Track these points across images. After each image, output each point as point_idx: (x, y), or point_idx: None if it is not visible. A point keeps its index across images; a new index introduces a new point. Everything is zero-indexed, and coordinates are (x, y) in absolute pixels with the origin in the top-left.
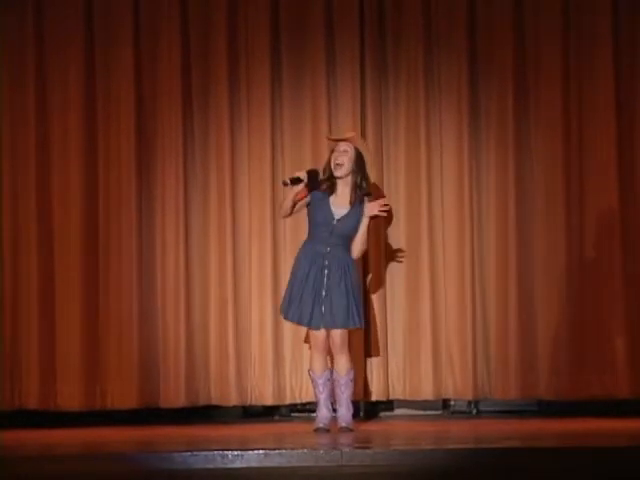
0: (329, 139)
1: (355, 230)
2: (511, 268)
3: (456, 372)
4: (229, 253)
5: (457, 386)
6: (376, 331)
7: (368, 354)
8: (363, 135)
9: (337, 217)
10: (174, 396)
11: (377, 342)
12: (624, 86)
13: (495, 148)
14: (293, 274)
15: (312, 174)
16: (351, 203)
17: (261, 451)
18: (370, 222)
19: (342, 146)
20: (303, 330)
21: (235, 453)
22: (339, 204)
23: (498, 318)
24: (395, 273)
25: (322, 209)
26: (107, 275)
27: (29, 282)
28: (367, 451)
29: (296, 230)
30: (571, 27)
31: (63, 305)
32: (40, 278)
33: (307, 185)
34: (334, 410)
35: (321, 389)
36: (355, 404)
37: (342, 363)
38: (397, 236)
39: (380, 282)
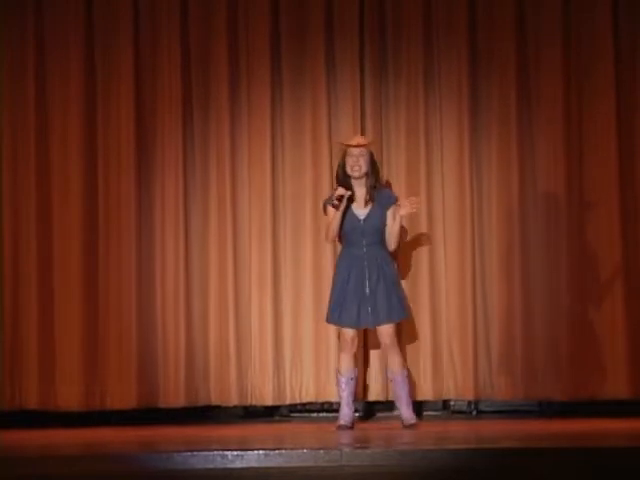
0: (347, 145)
1: (382, 224)
2: (513, 267)
3: (457, 372)
4: (229, 253)
5: (458, 386)
6: (375, 331)
7: (367, 354)
8: (363, 135)
9: (362, 217)
10: (173, 396)
11: (376, 342)
12: (625, 83)
13: (497, 147)
14: (335, 280)
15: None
16: (367, 203)
17: (261, 451)
18: (402, 218)
19: (358, 150)
20: (303, 330)
21: (235, 453)
22: (358, 206)
23: (500, 317)
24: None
25: (348, 217)
26: (107, 276)
27: (29, 283)
28: (367, 451)
29: (296, 231)
30: (572, 24)
31: (63, 305)
32: (40, 279)
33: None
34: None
35: (343, 387)
36: (354, 404)
37: (395, 361)
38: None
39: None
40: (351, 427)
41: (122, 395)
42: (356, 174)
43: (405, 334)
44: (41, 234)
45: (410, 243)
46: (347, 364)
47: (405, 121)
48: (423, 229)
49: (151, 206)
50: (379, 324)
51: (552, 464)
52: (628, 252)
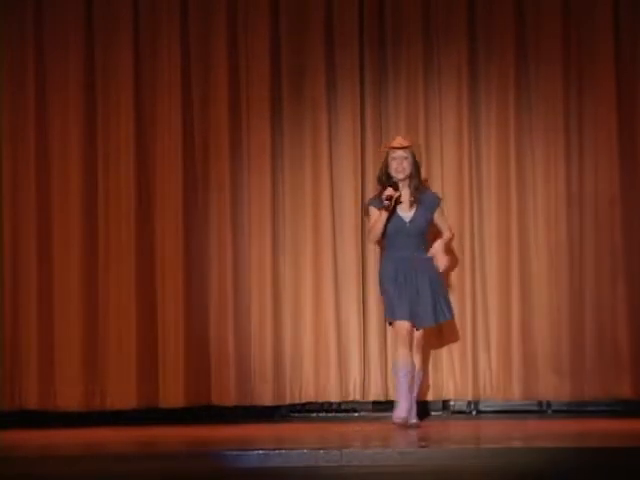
0: (391, 147)
1: (427, 226)
2: (512, 267)
3: (456, 372)
4: (229, 253)
5: (457, 386)
6: (375, 331)
7: (367, 354)
8: (362, 138)
9: (407, 220)
10: (173, 396)
11: (376, 342)
12: (624, 70)
13: (495, 153)
14: (384, 282)
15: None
16: (412, 204)
17: (261, 451)
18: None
19: (402, 152)
20: (303, 330)
21: (235, 453)
22: (403, 208)
23: (500, 318)
24: None
25: (391, 218)
26: (106, 276)
27: (29, 283)
28: (366, 451)
29: (295, 231)
30: (571, 13)
31: (62, 305)
32: (40, 279)
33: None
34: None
35: (402, 381)
36: (354, 404)
37: (417, 361)
38: None
39: (377, 278)
40: (411, 424)
41: (122, 395)
42: (401, 176)
43: None
44: (41, 234)
45: None
46: (405, 358)
47: (405, 123)
48: None
49: (150, 205)
50: (427, 325)
51: (552, 464)
52: (631, 247)
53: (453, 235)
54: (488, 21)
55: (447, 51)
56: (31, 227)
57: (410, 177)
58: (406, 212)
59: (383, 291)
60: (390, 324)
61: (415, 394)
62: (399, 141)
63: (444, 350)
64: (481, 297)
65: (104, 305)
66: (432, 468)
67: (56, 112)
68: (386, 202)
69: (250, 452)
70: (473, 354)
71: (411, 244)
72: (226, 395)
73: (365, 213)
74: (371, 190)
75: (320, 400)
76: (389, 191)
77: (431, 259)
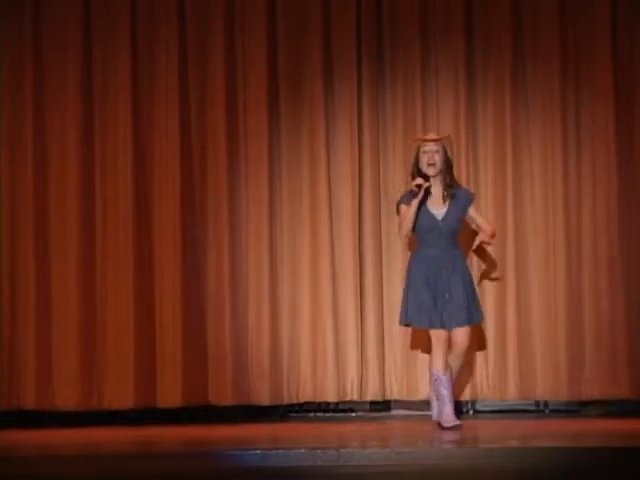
0: (423, 140)
1: (459, 224)
2: (508, 266)
3: (453, 372)
4: (226, 255)
5: (454, 386)
6: (373, 331)
7: (364, 354)
8: (360, 141)
9: (440, 217)
10: (171, 396)
11: (374, 342)
12: (621, 67)
13: (492, 152)
14: (410, 282)
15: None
16: (444, 201)
17: (259, 451)
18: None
19: (433, 146)
20: (300, 330)
21: (233, 453)
22: (435, 205)
23: (496, 317)
24: (392, 272)
25: (422, 215)
26: (104, 276)
27: (27, 283)
28: (364, 451)
29: (293, 235)
30: (568, 11)
31: (60, 306)
32: (37, 279)
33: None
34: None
35: (446, 385)
36: (351, 404)
37: (460, 364)
38: (395, 237)
39: (377, 280)
40: (461, 425)
41: (119, 395)
42: (432, 171)
43: (402, 334)
44: (38, 236)
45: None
46: (445, 362)
47: (402, 128)
48: None
49: (148, 207)
50: (460, 326)
51: (550, 464)
52: (627, 242)
53: (494, 230)
54: (485, 22)
55: (444, 53)
56: (29, 229)
57: (441, 172)
58: (438, 209)
59: (410, 292)
60: (406, 325)
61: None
62: (431, 134)
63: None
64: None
65: (102, 305)
66: (429, 468)
67: (54, 114)
68: (415, 189)
69: (248, 452)
70: (470, 354)
71: (443, 243)
72: (223, 395)
73: (396, 212)
74: (369, 194)
75: (318, 400)
76: (419, 180)
77: (462, 258)
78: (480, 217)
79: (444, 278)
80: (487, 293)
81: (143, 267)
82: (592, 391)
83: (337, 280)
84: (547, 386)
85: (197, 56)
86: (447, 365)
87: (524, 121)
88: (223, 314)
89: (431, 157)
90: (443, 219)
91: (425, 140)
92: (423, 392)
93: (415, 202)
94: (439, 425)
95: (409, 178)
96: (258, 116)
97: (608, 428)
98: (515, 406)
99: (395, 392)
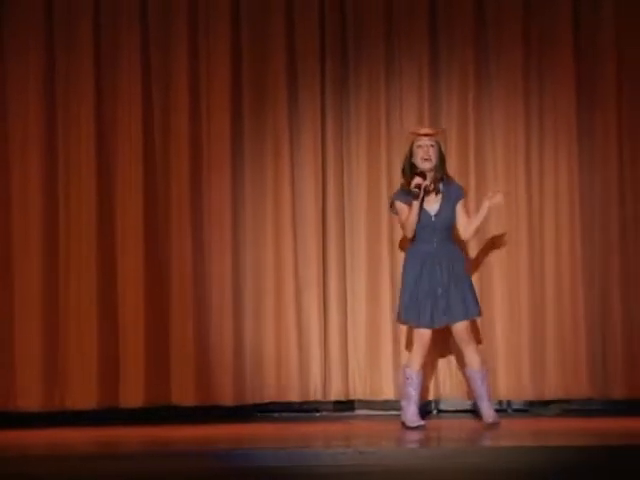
0: (418, 134)
1: (453, 219)
2: (471, 263)
3: None
4: (189, 257)
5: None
6: (336, 331)
7: (328, 354)
8: (323, 143)
9: (434, 213)
10: (134, 397)
11: (337, 342)
12: (584, 56)
13: (456, 142)
14: (405, 279)
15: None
16: (436, 196)
17: (221, 451)
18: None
19: (428, 140)
20: (265, 330)
21: (197, 453)
22: (428, 201)
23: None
24: (355, 271)
25: (419, 210)
26: (67, 278)
27: None
28: (328, 451)
29: (256, 238)
30: (531, 6)
31: (23, 307)
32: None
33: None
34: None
35: (415, 386)
36: (315, 404)
37: (473, 357)
38: (358, 238)
39: (340, 280)
40: (424, 425)
41: (83, 396)
42: (427, 165)
43: (365, 333)
44: (1, 240)
45: (369, 244)
46: (420, 363)
47: (366, 130)
48: (383, 232)
49: (111, 212)
50: (454, 322)
51: (513, 463)
52: (589, 244)
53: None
54: (448, 20)
55: (409, 53)
56: None
57: (435, 168)
58: (431, 205)
59: (404, 291)
60: (402, 323)
61: (486, 390)
62: (425, 128)
63: (404, 350)
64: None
65: (64, 306)
66: (393, 468)
67: (16, 120)
68: (415, 190)
69: (211, 452)
70: (433, 353)
71: (437, 238)
72: (186, 395)
73: (392, 210)
74: (333, 194)
75: (281, 400)
76: (417, 180)
77: (456, 253)
78: (464, 215)
79: (439, 274)
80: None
81: (106, 269)
82: (554, 390)
83: (300, 281)
84: (510, 386)
85: (160, 61)
86: (422, 367)
87: (487, 116)
88: (186, 315)
89: (426, 151)
90: (437, 215)
91: (420, 134)
92: (387, 392)
93: (416, 203)
94: (403, 425)
95: (401, 174)
96: (221, 121)
97: (570, 427)
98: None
99: (359, 392)
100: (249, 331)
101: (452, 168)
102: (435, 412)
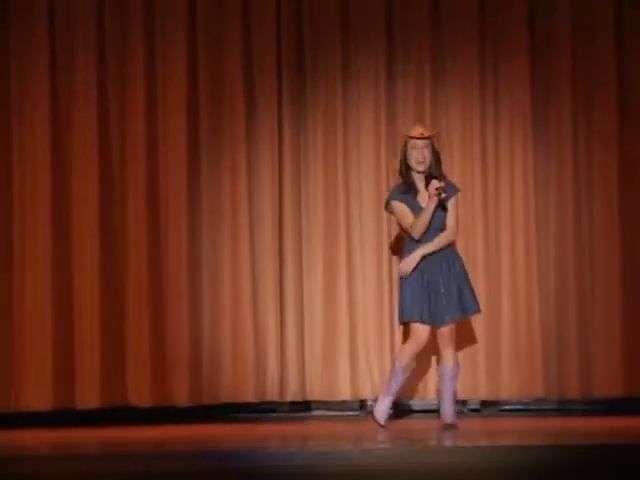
0: (411, 137)
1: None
2: None
3: (374, 372)
4: (145, 257)
5: (375, 386)
6: (292, 331)
7: (285, 355)
8: (280, 148)
9: (444, 210)
10: (90, 397)
11: (294, 342)
12: (539, 52)
13: None
14: (405, 279)
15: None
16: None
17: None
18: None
19: (423, 142)
20: (222, 331)
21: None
22: (425, 200)
23: None
24: (312, 272)
25: (414, 212)
26: (22, 278)
27: None
28: (285, 451)
29: (213, 234)
30: (486, 7)
31: None
32: None
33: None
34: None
35: (399, 380)
36: (271, 404)
37: (450, 358)
38: (315, 239)
39: (297, 281)
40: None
41: (38, 396)
42: (422, 168)
43: (322, 334)
44: None
45: (326, 243)
46: (412, 359)
47: (322, 128)
48: (341, 232)
49: (67, 215)
50: (454, 320)
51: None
52: (544, 236)
53: (452, 237)
54: (404, 21)
55: (365, 56)
56: None
57: (431, 168)
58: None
59: (404, 291)
60: (403, 324)
61: (451, 391)
62: (419, 130)
63: (361, 349)
64: (395, 293)
65: (19, 306)
66: (352, 468)
67: None
68: (440, 194)
69: (167, 453)
70: (390, 353)
71: (434, 237)
72: (143, 396)
73: (389, 211)
74: (289, 195)
75: (238, 400)
76: (436, 183)
77: (454, 251)
78: (451, 216)
79: (439, 273)
80: None
81: (61, 270)
82: (509, 390)
83: (257, 281)
84: (466, 385)
85: (116, 65)
86: (412, 363)
87: (444, 112)
88: (142, 315)
89: (420, 153)
90: (436, 216)
91: (413, 137)
92: (344, 393)
93: (432, 206)
94: (373, 418)
95: (398, 175)
96: (178, 124)
97: (525, 426)
98: (435, 406)
99: (316, 393)
100: (205, 332)
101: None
102: (391, 412)
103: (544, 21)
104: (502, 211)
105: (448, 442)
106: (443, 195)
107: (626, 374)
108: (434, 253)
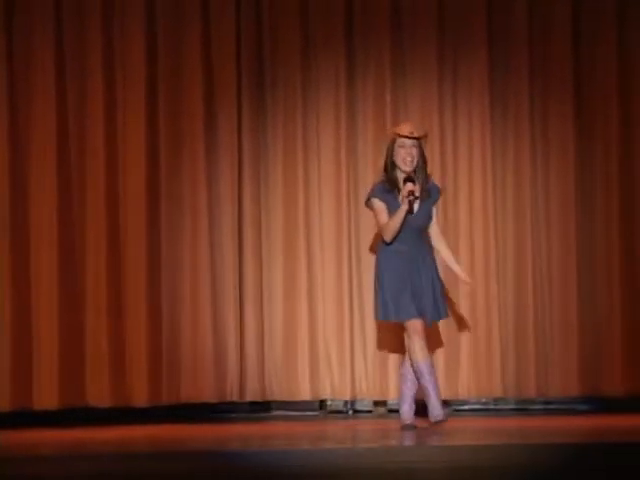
0: (400, 135)
1: (429, 220)
2: None
3: (334, 372)
4: (103, 254)
5: (335, 386)
6: (252, 331)
7: (244, 355)
8: (240, 152)
9: (412, 214)
10: (48, 398)
11: (253, 342)
12: (498, 48)
13: (372, 144)
14: (382, 278)
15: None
16: (420, 197)
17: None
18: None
19: (412, 142)
20: (181, 331)
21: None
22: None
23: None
24: (272, 272)
25: (393, 211)
26: None
27: None
28: (247, 451)
29: (172, 232)
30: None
31: None
32: None
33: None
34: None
35: (428, 377)
36: (231, 405)
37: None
38: (275, 240)
39: (256, 281)
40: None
41: None
42: (409, 167)
43: (282, 334)
44: None
45: (286, 242)
46: (426, 352)
47: (282, 128)
48: (300, 231)
49: (25, 210)
50: (427, 322)
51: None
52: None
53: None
54: (364, 23)
55: (325, 60)
56: None
57: (417, 169)
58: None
59: (382, 288)
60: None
61: (414, 393)
62: (409, 129)
63: (321, 350)
64: (357, 295)
65: None
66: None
67: None
68: (411, 197)
69: (126, 454)
70: (351, 353)
71: (413, 238)
72: (102, 396)
73: (369, 207)
74: (248, 194)
75: (197, 401)
76: (409, 186)
77: (431, 255)
78: (435, 218)
79: (415, 274)
80: (367, 294)
81: (19, 270)
82: (468, 390)
83: (216, 281)
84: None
85: (75, 66)
86: (429, 355)
87: (403, 112)
88: (101, 315)
89: (408, 153)
90: (415, 215)
91: (402, 136)
92: (303, 393)
93: (404, 209)
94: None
95: (383, 173)
96: (137, 130)
97: (483, 426)
98: (394, 406)
99: (275, 393)
100: (165, 332)
101: (368, 170)
102: (350, 412)
103: (502, 18)
104: (461, 207)
105: (406, 442)
106: (412, 197)
107: (581, 374)
108: (410, 252)
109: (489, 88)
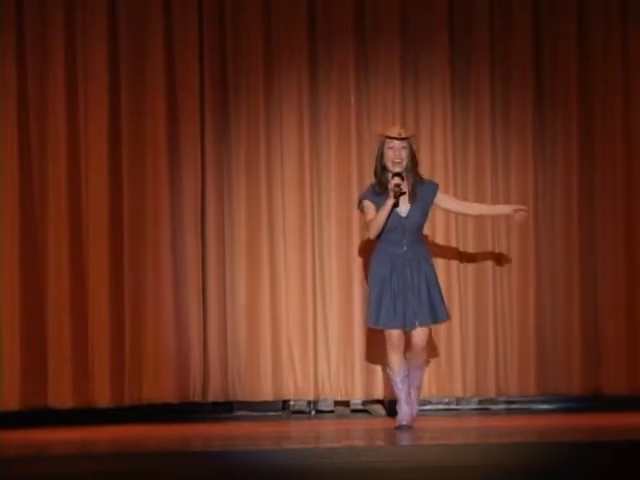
0: (388, 136)
1: (424, 220)
2: (354, 269)
3: (297, 373)
4: (66, 253)
5: (298, 387)
6: (215, 332)
7: (207, 355)
8: (203, 154)
9: (404, 215)
10: (9, 399)
11: (216, 342)
12: (459, 48)
13: (336, 148)
14: (374, 281)
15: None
16: (409, 199)
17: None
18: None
19: (400, 142)
20: (144, 330)
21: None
22: (400, 201)
23: (340, 315)
24: (235, 272)
25: (391, 211)
26: None
27: None
28: (207, 451)
29: (135, 232)
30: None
31: None
32: None
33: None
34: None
35: (400, 386)
36: (193, 405)
37: (419, 362)
38: (238, 239)
39: (219, 281)
40: (411, 426)
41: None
42: (398, 168)
43: (245, 333)
44: None
45: (249, 241)
46: (399, 363)
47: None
48: (263, 230)
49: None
50: (423, 325)
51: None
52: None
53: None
54: (328, 27)
55: (288, 64)
56: None
57: (407, 169)
58: (403, 207)
59: (373, 293)
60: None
61: (416, 393)
62: (397, 130)
63: (284, 351)
64: (321, 296)
65: None
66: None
67: None
68: (396, 189)
69: (88, 455)
70: (314, 353)
71: (407, 240)
72: (63, 397)
73: (360, 210)
74: (211, 195)
75: (160, 401)
76: (396, 180)
77: (426, 256)
78: (452, 198)
79: (408, 276)
80: (331, 295)
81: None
82: (429, 390)
83: (179, 281)
84: (388, 385)
85: (36, 66)
86: (402, 365)
87: (365, 115)
88: (63, 315)
89: (397, 154)
90: (407, 216)
91: (390, 137)
92: (266, 393)
93: (390, 203)
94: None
95: (373, 175)
96: (99, 133)
97: (445, 425)
98: (358, 406)
99: (238, 393)
100: (128, 332)
101: (331, 177)
102: (313, 413)
103: (463, 18)
104: None
105: (370, 442)
106: (397, 190)
107: (538, 374)
108: (404, 255)
109: (450, 86)
